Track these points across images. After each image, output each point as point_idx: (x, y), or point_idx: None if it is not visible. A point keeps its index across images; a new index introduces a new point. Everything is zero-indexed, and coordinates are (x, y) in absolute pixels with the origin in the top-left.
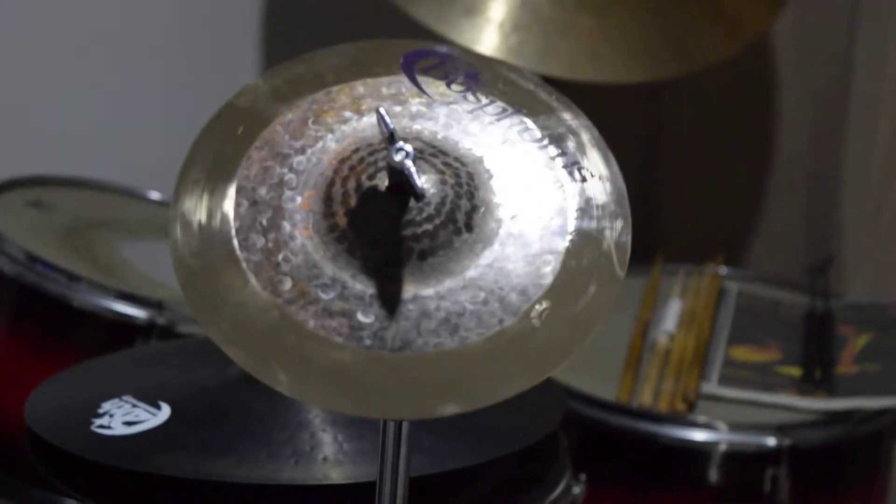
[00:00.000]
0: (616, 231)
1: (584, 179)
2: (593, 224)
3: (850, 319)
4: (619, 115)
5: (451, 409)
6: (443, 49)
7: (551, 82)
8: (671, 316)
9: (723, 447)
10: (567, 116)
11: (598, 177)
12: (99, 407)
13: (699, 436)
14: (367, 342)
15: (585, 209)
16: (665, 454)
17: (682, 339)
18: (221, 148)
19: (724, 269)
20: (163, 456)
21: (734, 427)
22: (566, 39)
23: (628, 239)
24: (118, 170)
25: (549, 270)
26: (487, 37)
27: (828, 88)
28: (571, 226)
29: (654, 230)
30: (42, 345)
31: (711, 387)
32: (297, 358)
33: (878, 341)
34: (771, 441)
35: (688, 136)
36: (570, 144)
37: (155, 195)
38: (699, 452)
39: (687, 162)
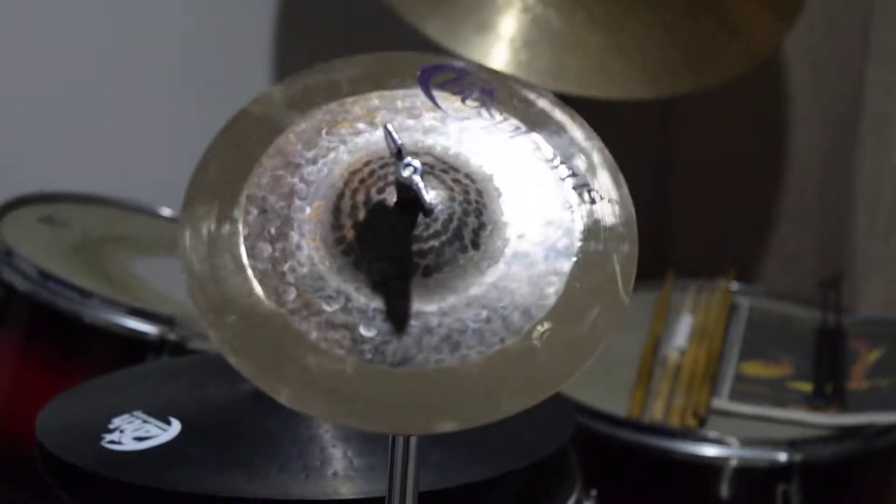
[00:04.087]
0: (622, 254)
1: (593, 201)
2: (600, 246)
3: (861, 334)
4: (629, 131)
5: (447, 426)
6: (460, 64)
7: (562, 99)
8: (682, 331)
9: (734, 463)
10: (580, 137)
11: (608, 199)
12: (110, 422)
13: (710, 451)
14: (368, 356)
15: (592, 231)
16: (676, 469)
17: (693, 355)
18: (234, 154)
19: (735, 285)
20: (173, 471)
21: (745, 442)
22: (576, 55)
23: (634, 263)
24: (130, 186)
25: (552, 291)
26: (498, 53)
27: (840, 104)
28: (577, 247)
29: (665, 245)
30: (53, 361)
31: (722, 402)
32: (298, 368)
33: (890, 356)
34: (782, 457)
35: (699, 152)
36: (582, 165)
37: (167, 212)
38: (710, 468)
39: (698, 177)
